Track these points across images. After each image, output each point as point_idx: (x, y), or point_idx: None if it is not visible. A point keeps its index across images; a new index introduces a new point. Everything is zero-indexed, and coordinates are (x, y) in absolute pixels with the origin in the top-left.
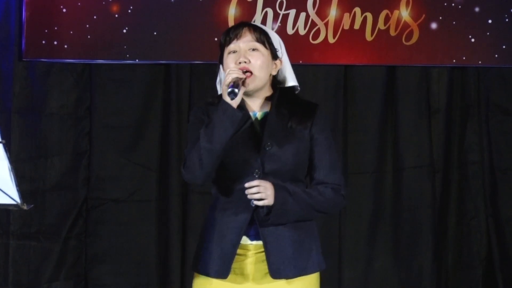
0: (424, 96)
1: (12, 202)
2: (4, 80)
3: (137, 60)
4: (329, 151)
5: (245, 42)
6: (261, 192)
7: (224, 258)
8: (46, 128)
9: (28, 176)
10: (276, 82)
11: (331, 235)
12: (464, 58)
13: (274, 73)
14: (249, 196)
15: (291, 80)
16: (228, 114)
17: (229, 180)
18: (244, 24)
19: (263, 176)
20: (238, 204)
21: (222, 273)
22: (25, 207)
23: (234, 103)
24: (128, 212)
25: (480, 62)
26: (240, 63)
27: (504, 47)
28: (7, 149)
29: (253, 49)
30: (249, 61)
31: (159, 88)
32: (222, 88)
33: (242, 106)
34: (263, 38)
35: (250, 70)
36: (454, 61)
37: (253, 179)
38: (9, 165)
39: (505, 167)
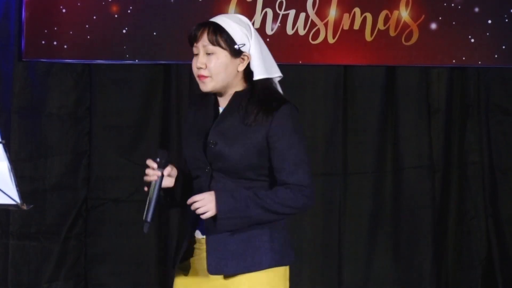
0: (424, 96)
1: (12, 202)
2: (4, 80)
3: (136, 60)
4: (290, 150)
5: (201, 46)
6: (202, 206)
7: (180, 250)
8: (46, 128)
9: (28, 176)
10: (251, 75)
11: (331, 235)
12: (463, 58)
13: (241, 68)
14: (197, 211)
15: (259, 73)
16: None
17: (193, 177)
18: (201, 25)
19: (213, 173)
20: None
21: (174, 263)
22: (25, 207)
23: (169, 184)
24: (128, 212)
25: (479, 62)
26: (198, 68)
27: (503, 47)
28: (7, 149)
29: (209, 53)
30: (205, 66)
31: (159, 88)
32: None
33: (212, 102)
34: (219, 39)
35: (206, 75)
36: (453, 61)
37: (206, 176)
38: (9, 165)
39: (505, 167)
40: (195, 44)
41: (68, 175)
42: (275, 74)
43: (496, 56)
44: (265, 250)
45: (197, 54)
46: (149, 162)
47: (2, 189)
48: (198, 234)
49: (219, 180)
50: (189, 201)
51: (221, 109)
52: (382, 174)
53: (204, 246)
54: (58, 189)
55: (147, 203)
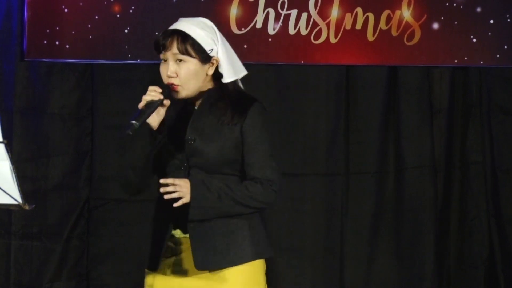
0: (426, 96)
1: (14, 202)
2: (6, 80)
3: (138, 60)
4: (260, 146)
5: (171, 54)
6: (177, 190)
7: (156, 251)
8: (48, 128)
9: (30, 176)
10: (219, 75)
11: (332, 236)
12: (466, 58)
13: (210, 72)
14: (165, 197)
15: (228, 76)
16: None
17: (163, 174)
18: (170, 33)
19: (189, 170)
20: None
21: (153, 266)
22: (27, 207)
23: (153, 123)
24: (130, 212)
25: (482, 62)
26: (169, 77)
27: (506, 47)
28: (9, 149)
29: (180, 60)
30: (176, 74)
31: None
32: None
33: (190, 102)
34: (189, 48)
35: (177, 84)
36: (455, 61)
37: (181, 173)
38: (11, 165)
39: (507, 167)
40: (163, 52)
41: (70, 175)
42: (242, 73)
43: (498, 56)
44: (247, 244)
45: (165, 61)
46: (154, 86)
47: (4, 189)
48: (179, 234)
49: (196, 176)
50: (163, 180)
51: (196, 108)
52: (384, 174)
53: (184, 245)
54: (60, 189)
55: (140, 112)
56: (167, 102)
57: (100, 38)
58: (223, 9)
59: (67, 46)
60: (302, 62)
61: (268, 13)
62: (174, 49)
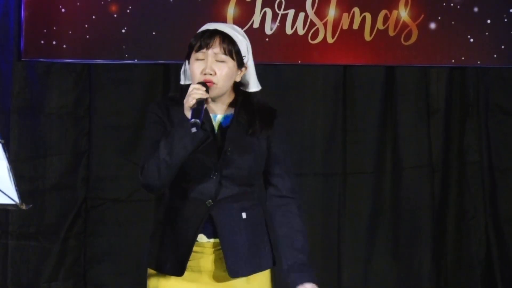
0: (423, 96)
1: (11, 202)
2: (3, 80)
3: (136, 60)
4: (286, 159)
5: (213, 53)
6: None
7: (181, 256)
8: (45, 128)
9: (27, 176)
10: (239, 84)
11: (330, 236)
12: (463, 58)
13: (238, 79)
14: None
15: (253, 86)
16: (188, 133)
17: (186, 182)
18: (215, 33)
19: (221, 179)
20: (194, 204)
21: (178, 271)
22: (24, 207)
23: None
24: (127, 212)
25: (479, 62)
26: (205, 74)
27: (503, 47)
28: (6, 149)
29: (220, 61)
30: (215, 73)
31: (158, 88)
32: (185, 106)
33: (207, 110)
34: (231, 48)
35: (214, 82)
36: (453, 61)
37: (211, 182)
38: (8, 165)
39: (504, 167)
40: (203, 50)
41: (68, 175)
42: (260, 87)
43: (495, 56)
44: (269, 250)
45: (201, 60)
46: (197, 85)
47: (1, 188)
48: (202, 238)
49: (227, 186)
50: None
51: (212, 115)
52: (381, 174)
53: (207, 250)
54: (58, 189)
55: (194, 110)
56: (209, 100)
57: (97, 38)
58: (220, 9)
59: (64, 46)
60: (299, 62)
61: (265, 13)
62: (217, 48)
